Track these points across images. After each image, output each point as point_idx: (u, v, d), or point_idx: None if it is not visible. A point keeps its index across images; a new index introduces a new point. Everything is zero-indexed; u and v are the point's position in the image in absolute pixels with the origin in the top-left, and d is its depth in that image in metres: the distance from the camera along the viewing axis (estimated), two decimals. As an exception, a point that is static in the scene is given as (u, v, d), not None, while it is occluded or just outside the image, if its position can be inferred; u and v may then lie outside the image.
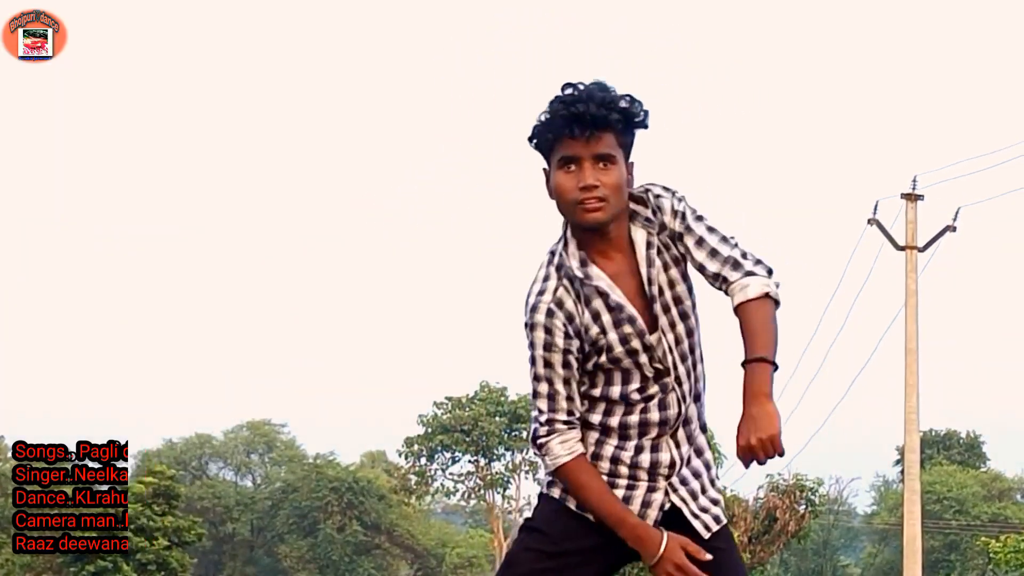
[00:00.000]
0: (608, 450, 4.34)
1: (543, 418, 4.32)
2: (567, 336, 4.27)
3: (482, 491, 72.94)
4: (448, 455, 71.63)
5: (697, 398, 4.40)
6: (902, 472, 40.36)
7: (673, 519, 4.36)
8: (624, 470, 4.33)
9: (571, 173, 4.21)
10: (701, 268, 4.32)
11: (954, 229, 34.86)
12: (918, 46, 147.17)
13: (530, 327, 4.29)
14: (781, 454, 4.10)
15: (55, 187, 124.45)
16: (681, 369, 4.32)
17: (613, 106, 4.20)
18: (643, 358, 4.28)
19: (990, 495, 78.69)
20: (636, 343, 4.27)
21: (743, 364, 4.21)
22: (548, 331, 4.26)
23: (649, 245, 4.29)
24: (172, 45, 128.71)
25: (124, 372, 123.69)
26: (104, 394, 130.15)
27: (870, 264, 57.94)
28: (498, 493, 73.12)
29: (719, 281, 4.29)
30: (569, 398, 4.32)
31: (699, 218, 4.34)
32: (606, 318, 4.26)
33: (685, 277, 4.35)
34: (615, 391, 4.32)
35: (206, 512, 77.67)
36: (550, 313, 4.26)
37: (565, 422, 4.32)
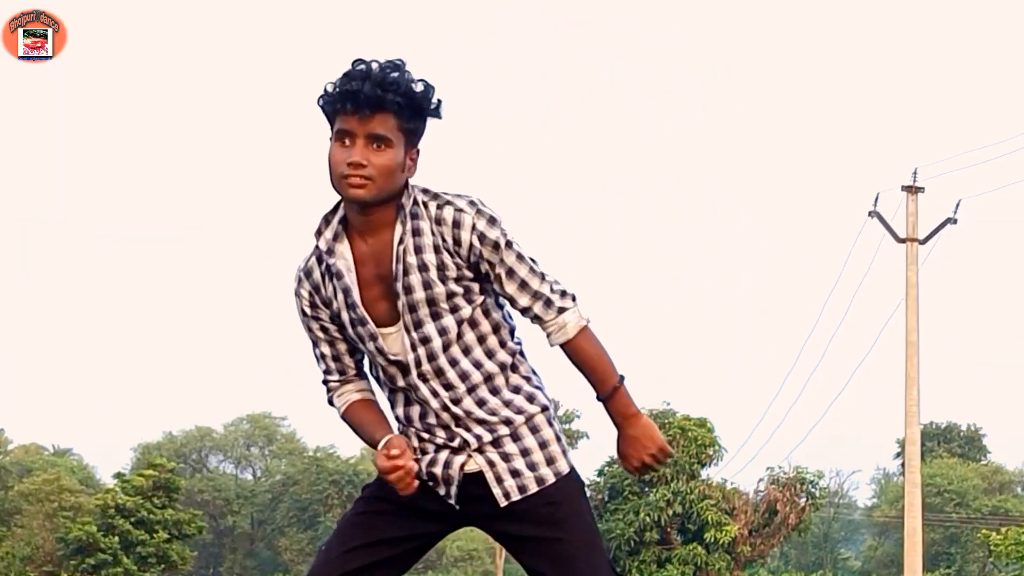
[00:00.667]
0: (400, 411, 4.38)
1: (321, 379, 4.45)
2: (314, 305, 4.33)
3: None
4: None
5: (472, 390, 4.30)
6: (903, 465, 40.37)
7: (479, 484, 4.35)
8: (413, 432, 4.36)
9: (345, 148, 4.17)
10: (512, 300, 4.29)
11: (955, 221, 34.89)
12: (918, 38, 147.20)
13: (293, 293, 4.40)
14: (671, 454, 4.28)
15: (55, 187, 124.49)
16: (428, 366, 4.26)
17: (393, 88, 4.12)
18: (370, 346, 4.28)
19: (991, 488, 78.72)
20: (362, 330, 4.27)
21: (599, 399, 4.29)
22: (298, 297, 4.37)
23: (401, 242, 4.22)
24: (172, 45, 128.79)
25: (124, 365, 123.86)
26: (105, 387, 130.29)
27: (871, 256, 57.99)
28: (498, 486, 73.14)
29: (531, 317, 4.31)
30: (335, 358, 4.40)
31: (508, 244, 4.24)
32: (340, 297, 4.29)
33: (458, 280, 4.25)
34: (368, 370, 4.43)
35: (206, 505, 77.76)
36: (299, 281, 4.36)
37: (338, 380, 4.41)
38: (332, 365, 4.41)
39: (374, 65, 4.15)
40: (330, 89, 4.19)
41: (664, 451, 4.28)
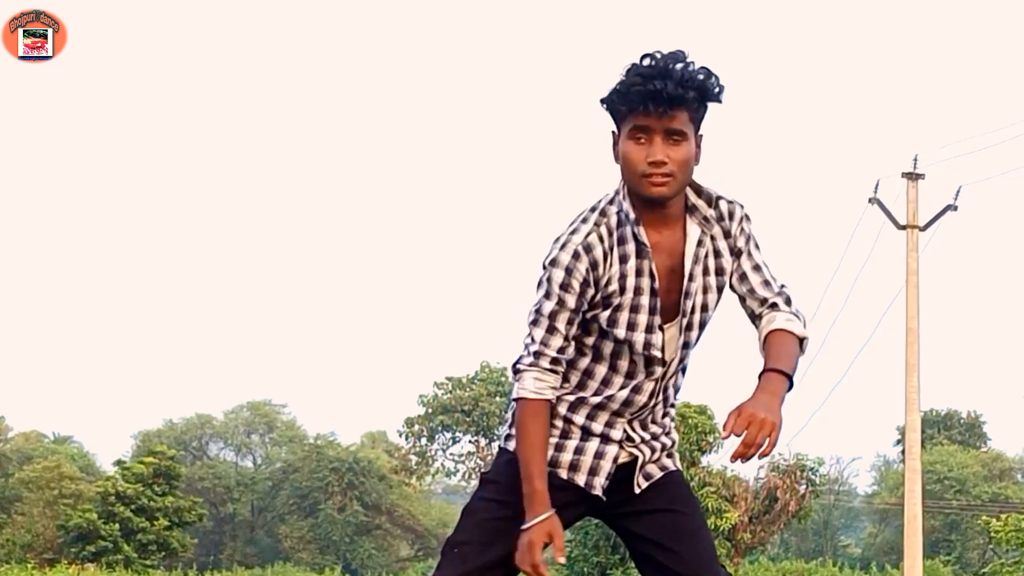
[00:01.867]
0: (598, 399, 4.36)
1: (533, 348, 4.31)
2: (585, 283, 4.26)
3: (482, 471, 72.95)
4: (448, 435, 71.75)
5: (676, 393, 4.50)
6: (903, 452, 40.34)
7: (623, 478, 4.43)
8: (576, 431, 4.38)
9: (641, 145, 4.18)
10: (751, 291, 4.38)
11: (955, 208, 34.85)
12: (919, 24, 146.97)
13: (552, 262, 4.26)
14: (766, 453, 4.00)
15: (55, 187, 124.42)
16: (675, 366, 4.38)
17: (691, 84, 4.16)
18: (636, 336, 4.27)
19: (991, 475, 78.71)
20: (639, 317, 4.27)
21: (763, 372, 4.23)
22: (569, 272, 4.25)
23: (700, 243, 4.30)
24: (172, 45, 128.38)
25: (125, 353, 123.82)
26: (105, 374, 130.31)
27: (871, 243, 58.00)
28: (498, 473, 73.10)
29: (764, 305, 4.37)
30: (565, 339, 4.31)
31: (758, 246, 4.41)
32: (631, 281, 4.26)
33: (719, 289, 4.37)
34: (603, 355, 4.35)
35: (206, 492, 77.78)
36: (576, 255, 4.25)
37: (552, 361, 4.32)
38: (559, 343, 4.31)
39: (672, 64, 4.16)
40: (625, 89, 4.17)
41: (769, 428, 4.03)
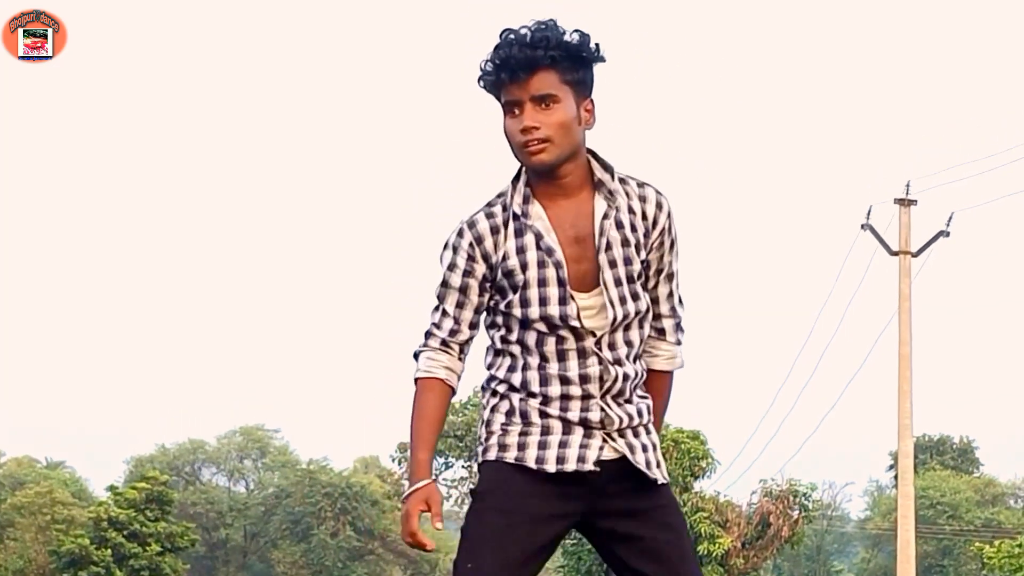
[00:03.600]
0: (541, 387, 4.26)
1: (425, 330, 4.34)
2: (471, 258, 4.23)
3: (475, 496, 72.90)
4: (442, 460, 71.70)
5: (627, 378, 4.29)
6: (895, 477, 40.39)
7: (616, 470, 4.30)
8: (554, 423, 4.27)
9: (516, 117, 4.14)
10: (655, 300, 4.35)
11: (948, 234, 34.91)
12: (911, 51, 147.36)
13: (444, 245, 4.30)
14: None
15: (54, 187, 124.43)
16: (609, 337, 4.23)
17: (543, 44, 4.09)
18: (551, 310, 4.19)
19: (983, 500, 78.78)
20: (548, 291, 4.20)
21: None
22: (454, 250, 4.25)
23: (606, 216, 4.21)
24: (172, 45, 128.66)
25: (118, 377, 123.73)
26: (98, 399, 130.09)
27: (863, 269, 57.96)
28: (491, 498, 73.07)
29: (655, 330, 4.37)
30: (456, 321, 4.30)
31: (678, 253, 4.36)
32: (531, 255, 4.20)
33: (639, 261, 4.26)
34: (529, 335, 4.25)
35: (199, 518, 77.63)
36: (460, 232, 4.25)
37: (442, 342, 4.30)
38: (448, 325, 4.31)
39: (521, 30, 4.13)
40: (485, 67, 4.16)
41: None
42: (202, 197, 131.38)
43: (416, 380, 4.31)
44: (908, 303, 34.63)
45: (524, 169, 4.23)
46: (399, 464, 73.13)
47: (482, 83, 4.19)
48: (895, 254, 34.90)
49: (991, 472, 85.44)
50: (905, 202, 34.91)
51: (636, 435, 4.31)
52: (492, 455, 4.30)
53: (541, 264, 4.19)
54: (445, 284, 4.29)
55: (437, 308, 4.33)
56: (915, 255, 34.91)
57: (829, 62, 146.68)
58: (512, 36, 4.12)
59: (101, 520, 57.80)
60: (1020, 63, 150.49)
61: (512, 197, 4.23)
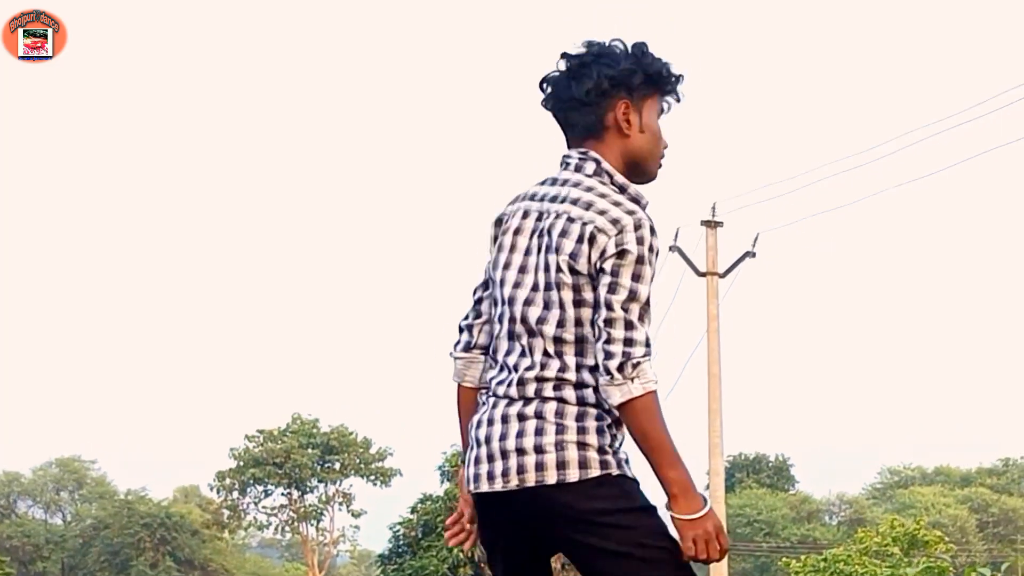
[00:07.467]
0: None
1: (642, 338, 3.99)
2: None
3: (296, 524, 72.54)
4: (261, 488, 71.20)
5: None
6: (708, 496, 40.93)
7: None
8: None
9: (659, 126, 4.28)
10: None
11: (754, 255, 35.46)
12: (714, 75, 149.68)
13: (654, 250, 4.06)
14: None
15: (55, 187, 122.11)
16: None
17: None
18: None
19: (799, 517, 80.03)
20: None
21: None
22: (657, 257, 4.08)
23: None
24: (172, 45, 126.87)
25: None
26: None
27: (673, 291, 58.81)
28: (312, 525, 72.79)
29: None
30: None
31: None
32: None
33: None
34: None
35: (15, 551, 76.27)
36: (654, 231, 4.08)
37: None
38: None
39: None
40: (680, 78, 4.27)
41: None
42: (202, 197, 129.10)
43: (651, 394, 3.93)
44: (716, 323, 35.12)
45: (612, 170, 4.17)
46: (218, 493, 72.44)
47: (673, 79, 4.25)
48: (703, 275, 35.35)
49: (806, 489, 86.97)
50: (711, 224, 35.39)
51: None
52: (614, 468, 4.08)
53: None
54: (648, 304, 4.05)
55: (642, 325, 4.02)
56: (722, 276, 35.40)
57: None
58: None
59: (-90, 556, 56.54)
60: (819, 87, 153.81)
61: (639, 192, 4.22)
